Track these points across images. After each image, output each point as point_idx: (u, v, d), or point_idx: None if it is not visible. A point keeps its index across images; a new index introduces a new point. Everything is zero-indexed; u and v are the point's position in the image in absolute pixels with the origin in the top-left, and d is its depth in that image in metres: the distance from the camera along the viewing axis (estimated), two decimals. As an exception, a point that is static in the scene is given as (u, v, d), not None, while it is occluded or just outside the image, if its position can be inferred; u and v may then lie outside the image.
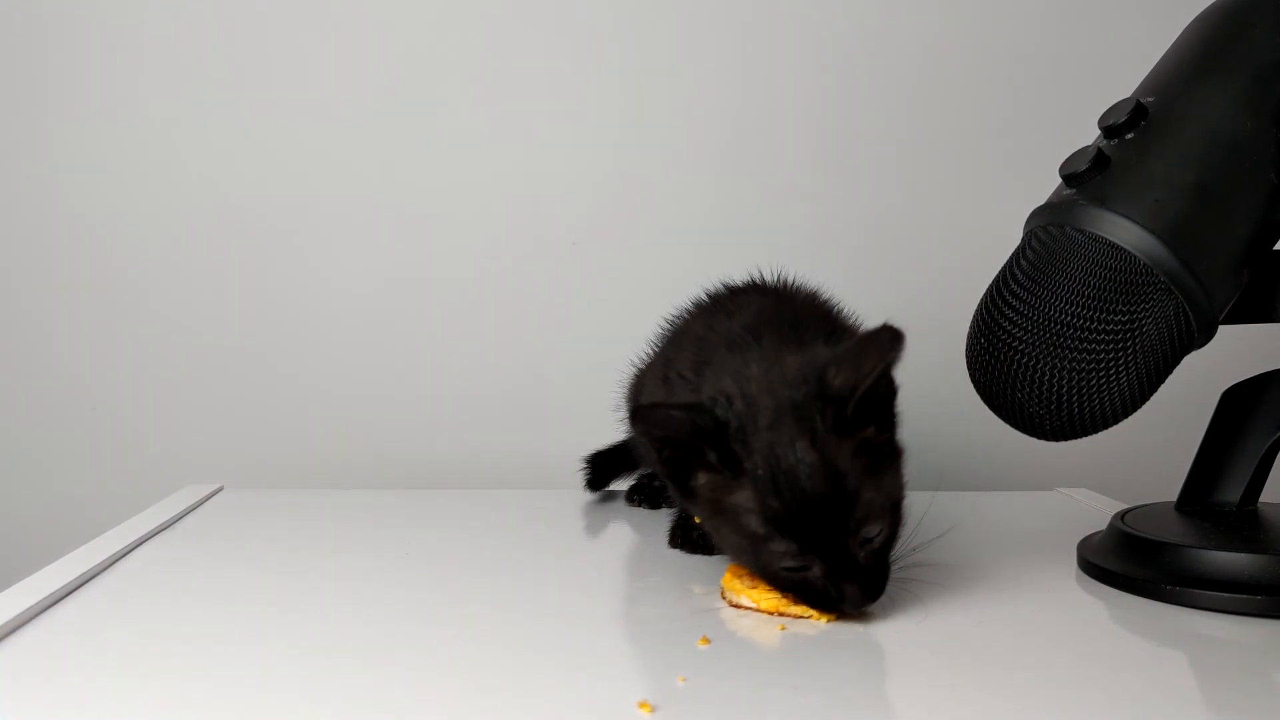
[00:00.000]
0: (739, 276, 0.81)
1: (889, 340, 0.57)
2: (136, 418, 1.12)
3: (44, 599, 0.59)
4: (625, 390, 0.87)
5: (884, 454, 0.59)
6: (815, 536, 0.56)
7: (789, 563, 0.57)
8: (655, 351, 0.83)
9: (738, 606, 0.61)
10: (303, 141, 1.11)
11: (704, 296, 0.81)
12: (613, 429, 0.93)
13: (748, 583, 0.61)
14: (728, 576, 0.62)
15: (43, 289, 1.11)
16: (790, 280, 0.78)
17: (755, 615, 0.59)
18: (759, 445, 0.57)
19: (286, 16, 1.11)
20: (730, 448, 0.57)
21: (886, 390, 0.60)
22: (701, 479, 0.59)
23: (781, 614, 0.59)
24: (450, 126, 1.12)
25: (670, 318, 0.83)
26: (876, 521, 0.57)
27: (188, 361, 1.12)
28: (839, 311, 0.75)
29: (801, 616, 0.59)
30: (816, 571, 0.57)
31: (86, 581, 0.65)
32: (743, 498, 0.57)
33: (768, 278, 0.79)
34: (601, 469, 0.97)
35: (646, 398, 0.79)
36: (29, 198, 1.10)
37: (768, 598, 0.59)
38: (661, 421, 0.59)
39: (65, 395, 1.12)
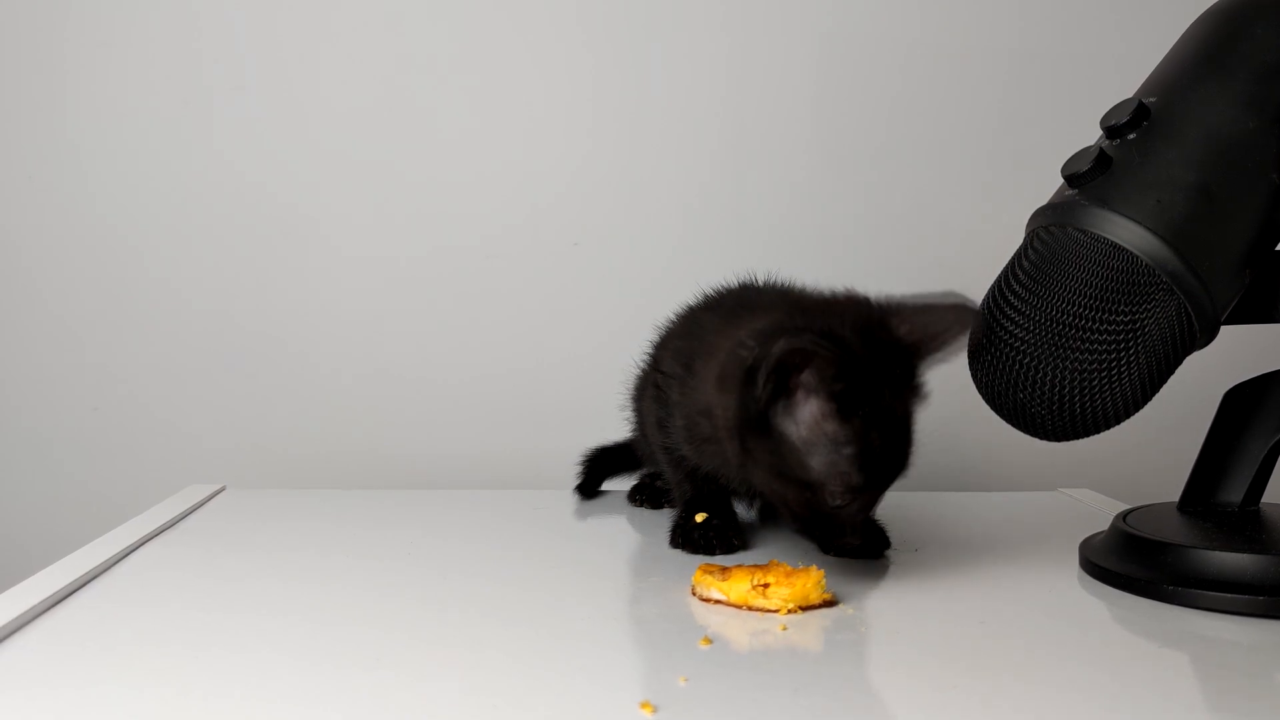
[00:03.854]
0: (736, 276, 0.81)
1: (966, 315, 0.64)
2: (139, 418, 1.12)
3: (46, 599, 0.59)
4: (630, 392, 0.88)
5: None
6: (872, 483, 0.63)
7: (849, 497, 0.62)
8: (650, 355, 0.84)
9: (708, 600, 0.62)
10: (305, 143, 1.11)
11: (694, 299, 0.82)
12: (613, 429, 0.94)
13: (718, 577, 0.62)
14: (699, 573, 0.63)
15: (45, 289, 1.11)
16: (768, 277, 0.80)
17: (756, 616, 0.59)
18: (876, 397, 0.62)
19: (292, 14, 1.11)
20: (856, 386, 0.61)
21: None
22: (785, 409, 0.62)
23: (750, 607, 0.60)
24: (450, 128, 1.12)
25: (661, 325, 0.83)
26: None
27: (190, 362, 1.12)
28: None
29: (769, 610, 0.60)
30: (854, 508, 0.63)
31: (88, 582, 0.65)
32: (842, 433, 0.61)
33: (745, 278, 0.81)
34: (596, 470, 0.97)
35: (648, 398, 0.80)
36: (31, 198, 1.11)
37: (737, 590, 0.61)
38: (824, 366, 0.60)
39: (68, 395, 1.12)
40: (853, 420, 0.61)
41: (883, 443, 0.62)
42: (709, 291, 0.81)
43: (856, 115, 1.14)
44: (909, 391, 0.64)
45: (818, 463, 0.62)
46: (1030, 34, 1.14)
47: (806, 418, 0.62)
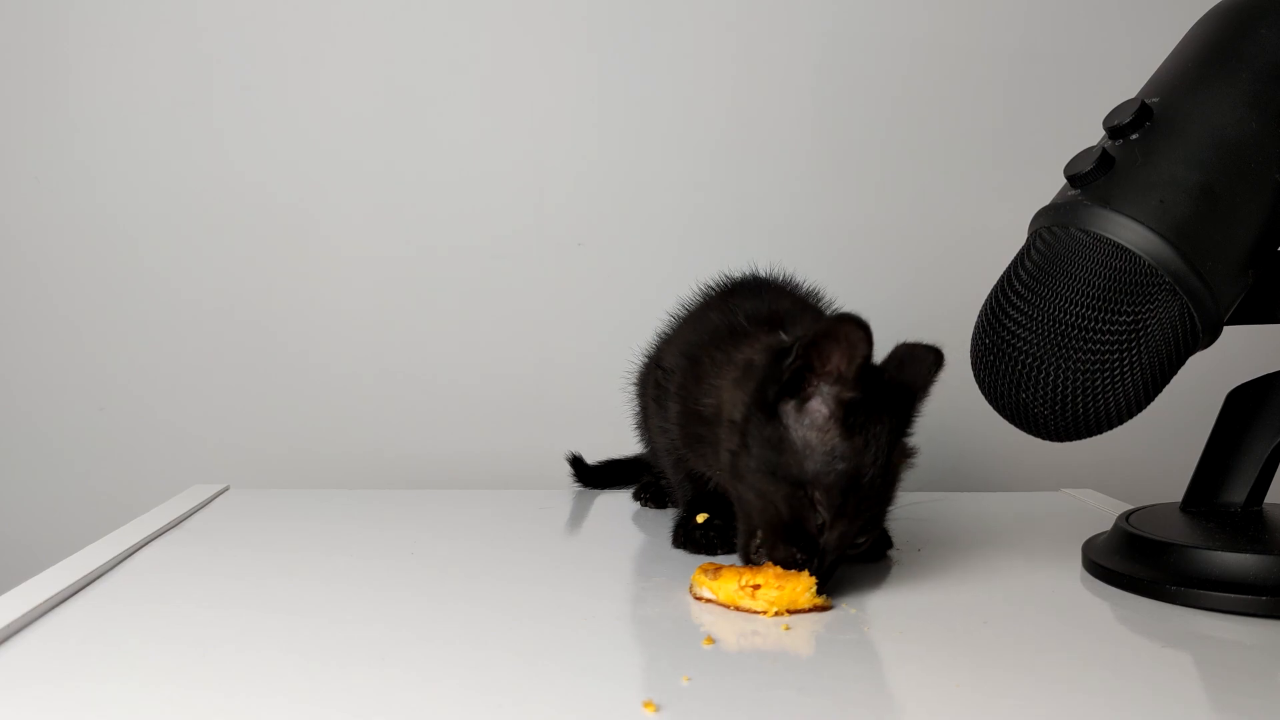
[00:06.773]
0: (738, 270, 0.82)
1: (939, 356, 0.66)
2: (144, 418, 1.12)
3: (50, 598, 0.60)
4: (635, 379, 0.88)
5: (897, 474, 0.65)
6: (853, 512, 0.61)
7: (815, 513, 0.61)
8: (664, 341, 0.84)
9: (700, 599, 0.62)
10: (309, 143, 1.12)
11: (709, 289, 0.82)
12: (615, 428, 0.94)
13: (711, 577, 0.62)
14: (697, 574, 0.63)
15: (50, 289, 1.12)
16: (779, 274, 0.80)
17: (759, 617, 0.60)
18: (877, 426, 0.61)
19: (297, 15, 1.11)
20: (866, 406, 0.61)
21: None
22: (797, 407, 0.62)
23: (737, 607, 0.60)
24: (454, 128, 1.12)
25: (674, 313, 0.83)
26: (871, 535, 0.63)
27: (195, 362, 1.12)
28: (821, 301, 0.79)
29: (755, 611, 0.60)
30: (831, 537, 0.61)
31: (93, 581, 0.65)
32: (841, 447, 0.60)
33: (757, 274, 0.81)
34: (606, 472, 0.97)
35: (649, 397, 0.80)
36: (36, 199, 1.11)
37: (725, 590, 0.61)
38: (857, 343, 0.60)
39: (73, 395, 1.12)
40: (854, 437, 0.60)
41: (871, 476, 0.61)
42: (712, 287, 0.81)
43: (859, 116, 1.14)
44: (901, 442, 0.64)
45: (811, 466, 0.60)
46: (1032, 34, 1.14)
47: (814, 419, 0.61)
